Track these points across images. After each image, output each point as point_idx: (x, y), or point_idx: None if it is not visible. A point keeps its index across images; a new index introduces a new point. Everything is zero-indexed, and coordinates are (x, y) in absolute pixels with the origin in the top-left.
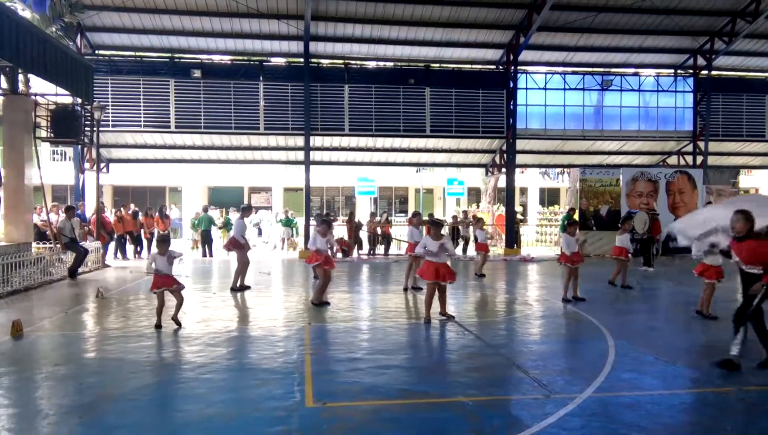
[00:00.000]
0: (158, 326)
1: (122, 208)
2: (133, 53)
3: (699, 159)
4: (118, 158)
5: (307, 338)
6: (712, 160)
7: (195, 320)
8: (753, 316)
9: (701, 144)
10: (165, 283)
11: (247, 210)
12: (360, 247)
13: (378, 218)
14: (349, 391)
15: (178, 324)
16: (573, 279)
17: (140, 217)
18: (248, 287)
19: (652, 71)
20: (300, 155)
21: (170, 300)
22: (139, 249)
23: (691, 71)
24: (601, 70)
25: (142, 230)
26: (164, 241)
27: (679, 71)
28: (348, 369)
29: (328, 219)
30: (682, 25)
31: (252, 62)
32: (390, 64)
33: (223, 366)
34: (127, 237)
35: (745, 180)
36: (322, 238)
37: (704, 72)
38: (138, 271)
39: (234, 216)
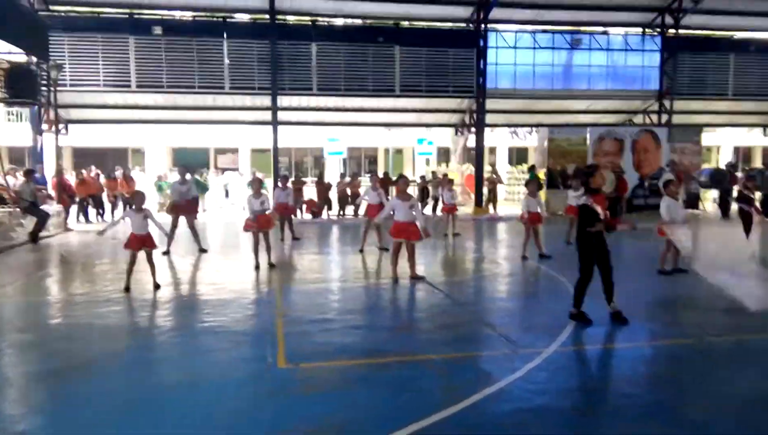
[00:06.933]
0: (127, 289)
1: (84, 171)
2: (90, 9)
3: (664, 118)
4: (77, 119)
5: (278, 300)
6: (677, 119)
7: (163, 284)
8: None
9: (667, 103)
10: (142, 242)
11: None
12: (330, 208)
13: (347, 179)
14: (320, 352)
15: (158, 286)
16: (535, 237)
17: (102, 179)
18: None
19: (621, 30)
20: (267, 115)
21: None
22: (101, 212)
23: (659, 30)
24: (571, 28)
25: (104, 193)
26: (141, 196)
27: (647, 30)
28: (319, 330)
29: (255, 177)
30: None
31: (215, 18)
32: (359, 21)
33: (195, 330)
34: (89, 200)
35: (708, 137)
36: (255, 199)
37: (672, 31)
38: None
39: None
